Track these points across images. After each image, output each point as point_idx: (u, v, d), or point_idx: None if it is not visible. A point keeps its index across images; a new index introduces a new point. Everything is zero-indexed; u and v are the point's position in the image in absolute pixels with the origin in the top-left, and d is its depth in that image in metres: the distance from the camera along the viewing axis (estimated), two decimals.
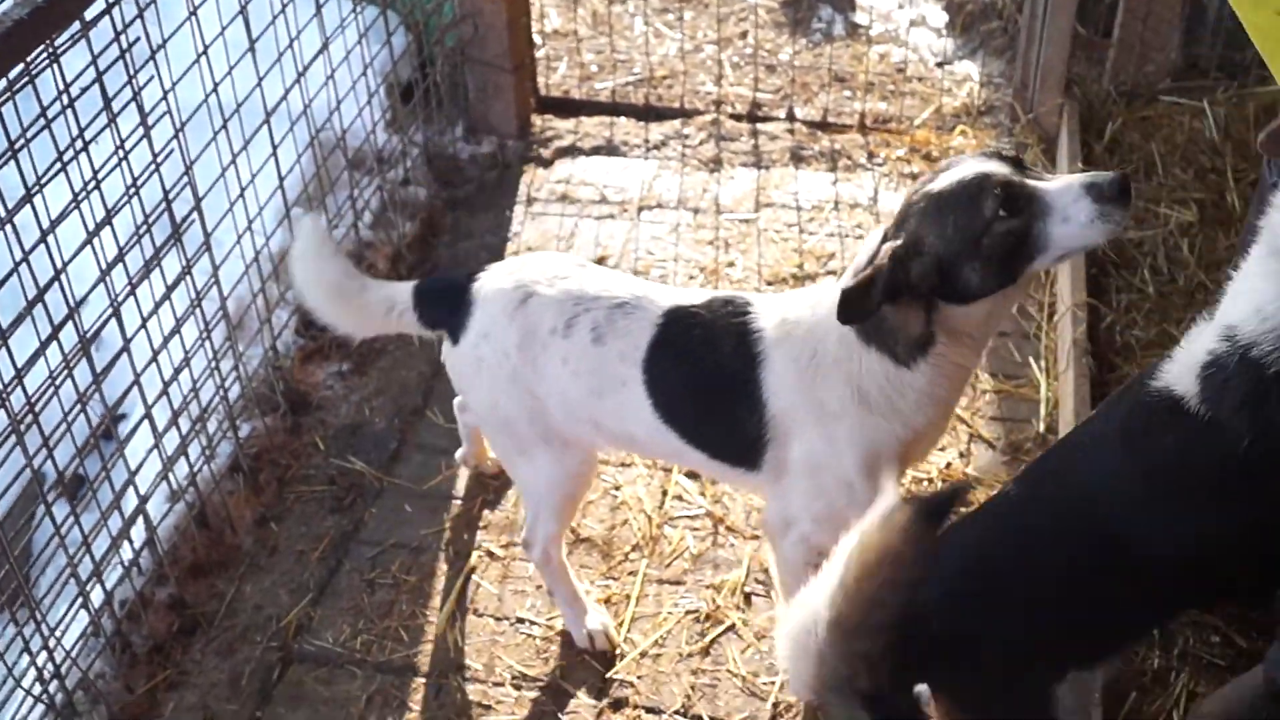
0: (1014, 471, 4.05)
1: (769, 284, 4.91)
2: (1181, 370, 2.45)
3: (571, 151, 5.79)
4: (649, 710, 3.54)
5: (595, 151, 5.77)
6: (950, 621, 2.54)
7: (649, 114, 5.97)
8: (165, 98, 3.68)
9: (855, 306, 2.80)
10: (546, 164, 5.72)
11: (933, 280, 2.79)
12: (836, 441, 3.03)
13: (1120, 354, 4.38)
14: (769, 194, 5.42)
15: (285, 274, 4.64)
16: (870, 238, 2.96)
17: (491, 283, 3.34)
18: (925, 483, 4.04)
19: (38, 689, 3.43)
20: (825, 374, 3.00)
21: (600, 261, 5.07)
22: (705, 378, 3.15)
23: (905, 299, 2.82)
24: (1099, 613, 2.58)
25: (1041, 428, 4.19)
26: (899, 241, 2.81)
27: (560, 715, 3.54)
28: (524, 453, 3.43)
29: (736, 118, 5.90)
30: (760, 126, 5.84)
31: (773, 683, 3.58)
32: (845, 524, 3.09)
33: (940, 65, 6.15)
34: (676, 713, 3.53)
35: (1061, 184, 2.74)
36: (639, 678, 3.62)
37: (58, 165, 3.30)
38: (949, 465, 4.09)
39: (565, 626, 3.72)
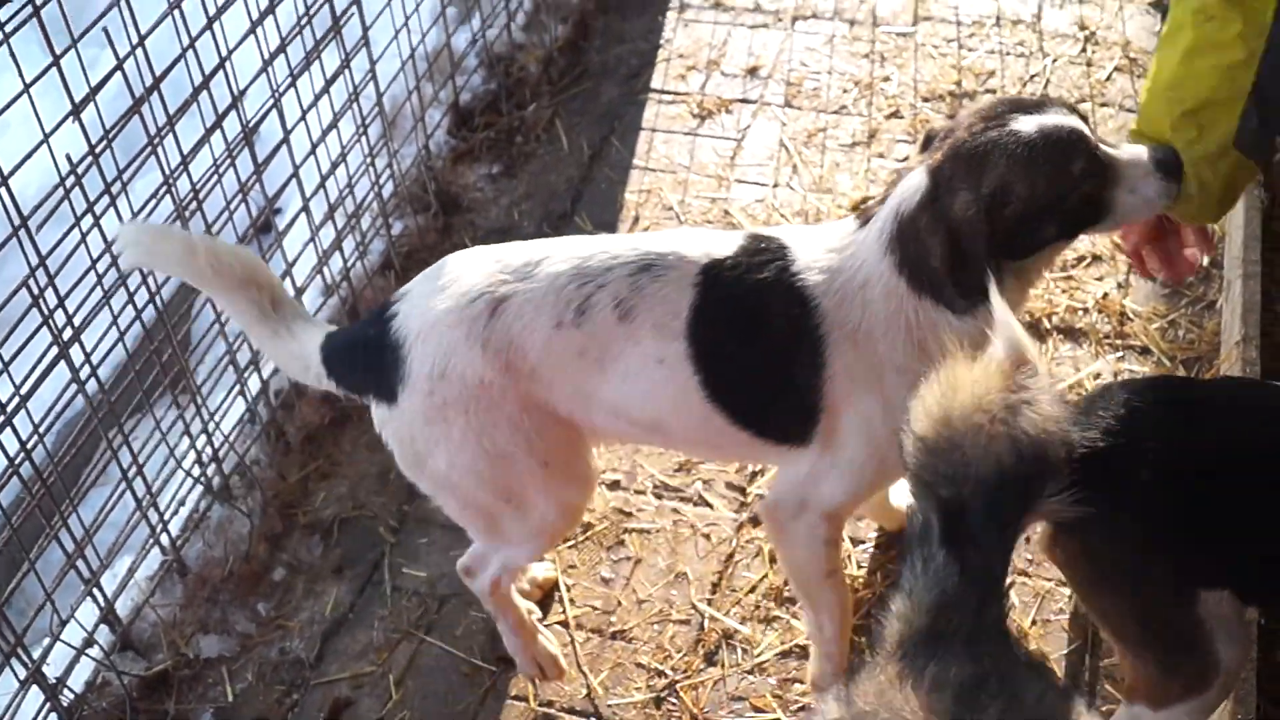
0: (1173, 306, 3.96)
1: (925, 100, 4.78)
2: None
3: None
4: None
5: None
6: (1150, 491, 2.41)
7: None
8: None
9: (967, 281, 2.56)
10: None
11: (1015, 232, 2.58)
12: (894, 403, 2.64)
13: None
14: (928, 6, 5.24)
15: (440, 73, 4.64)
16: (909, 176, 2.67)
17: (426, 310, 2.74)
18: (1081, 312, 3.96)
19: (196, 471, 3.55)
20: (880, 329, 2.68)
21: (752, 72, 4.99)
22: (755, 343, 2.74)
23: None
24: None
25: (1205, 260, 4.05)
26: (986, 191, 2.56)
27: (699, 526, 3.58)
28: (513, 500, 2.89)
29: None
30: None
31: None
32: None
33: None
34: None
35: (1131, 155, 2.63)
36: None
37: None
38: (1105, 295, 4.00)
39: (510, 653, 3.33)
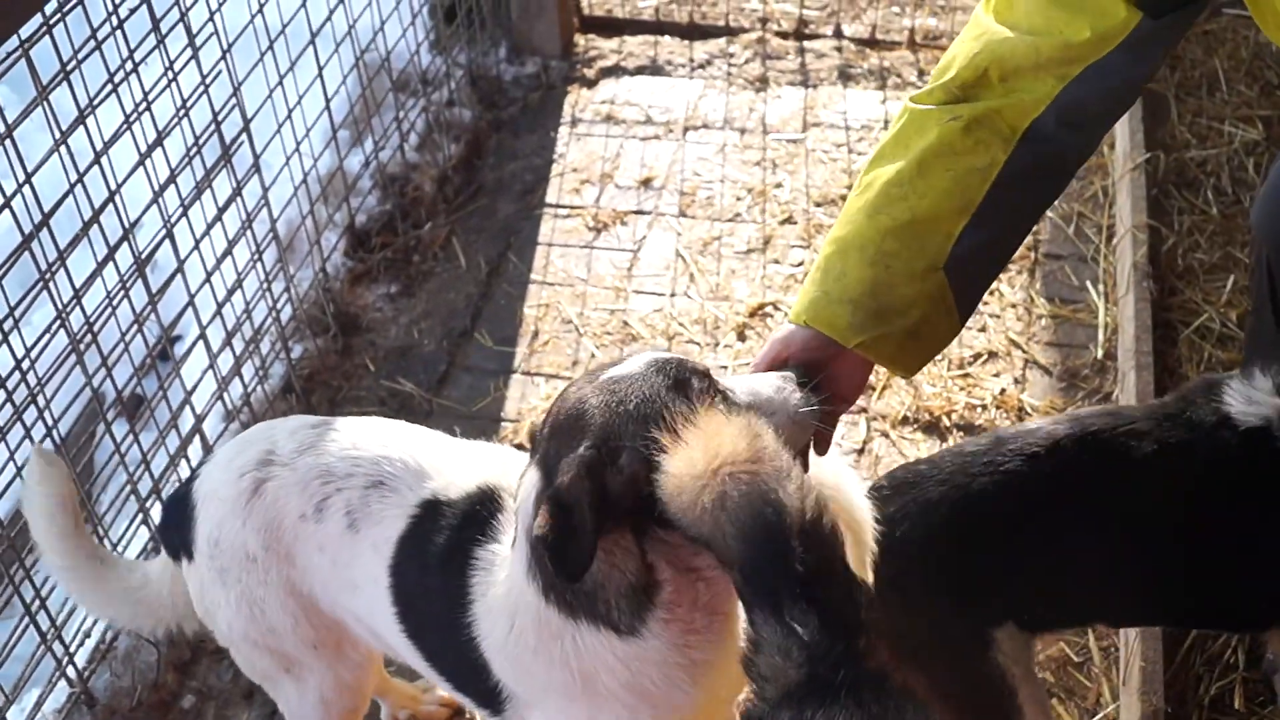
0: (1070, 399, 4.03)
1: (818, 205, 4.86)
2: None
3: (615, 71, 5.73)
4: None
5: (639, 71, 5.71)
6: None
7: (693, 32, 5.89)
8: (211, 19, 3.66)
9: (567, 557, 2.11)
10: (590, 84, 5.66)
11: (641, 488, 2.11)
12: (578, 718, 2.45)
13: (1182, 277, 4.34)
14: (816, 113, 5.36)
15: (335, 195, 4.65)
16: (523, 482, 2.31)
17: (213, 478, 2.73)
18: (980, 408, 4.02)
19: None
20: (529, 657, 2.37)
21: (646, 183, 5.05)
22: (435, 608, 2.54)
23: (608, 530, 2.16)
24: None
25: (1099, 353, 4.15)
26: (585, 448, 2.15)
27: None
28: (292, 670, 2.82)
29: (783, 35, 5.82)
30: (807, 44, 5.76)
31: None
32: None
33: None
34: None
35: (748, 382, 2.33)
36: None
37: (109, 88, 3.29)
38: (1003, 392, 4.06)
39: None
